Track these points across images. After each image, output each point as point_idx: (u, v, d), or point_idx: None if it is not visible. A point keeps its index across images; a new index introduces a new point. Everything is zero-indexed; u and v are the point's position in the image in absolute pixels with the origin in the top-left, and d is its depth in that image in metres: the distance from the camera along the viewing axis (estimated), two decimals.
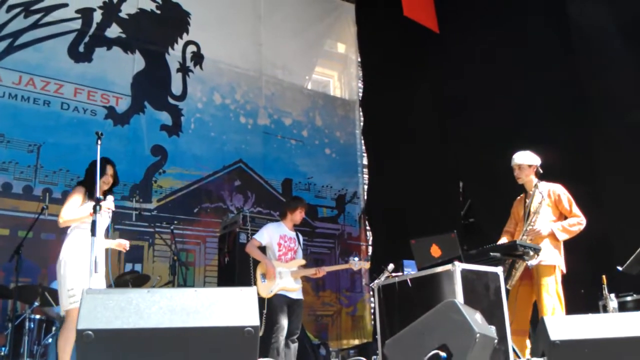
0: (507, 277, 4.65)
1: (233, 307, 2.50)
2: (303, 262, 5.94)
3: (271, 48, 9.45)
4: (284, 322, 5.60)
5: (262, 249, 5.88)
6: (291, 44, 9.75)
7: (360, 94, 10.35)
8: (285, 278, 5.76)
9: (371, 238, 9.72)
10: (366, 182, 9.97)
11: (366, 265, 6.02)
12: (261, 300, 5.62)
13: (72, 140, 7.39)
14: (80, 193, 4.54)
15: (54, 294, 5.45)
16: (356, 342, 9.10)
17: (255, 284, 5.75)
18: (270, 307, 5.64)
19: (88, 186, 4.53)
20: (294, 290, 5.79)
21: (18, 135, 7.11)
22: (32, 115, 7.27)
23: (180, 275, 6.58)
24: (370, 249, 9.71)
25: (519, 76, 7.16)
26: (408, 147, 8.78)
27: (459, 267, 4.02)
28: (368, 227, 9.83)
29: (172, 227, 6.76)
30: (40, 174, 7.19)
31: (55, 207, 6.90)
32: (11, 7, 7.34)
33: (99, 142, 4.16)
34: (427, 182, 8.38)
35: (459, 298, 3.88)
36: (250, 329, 2.48)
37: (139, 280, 6.31)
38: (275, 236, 5.88)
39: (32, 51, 7.41)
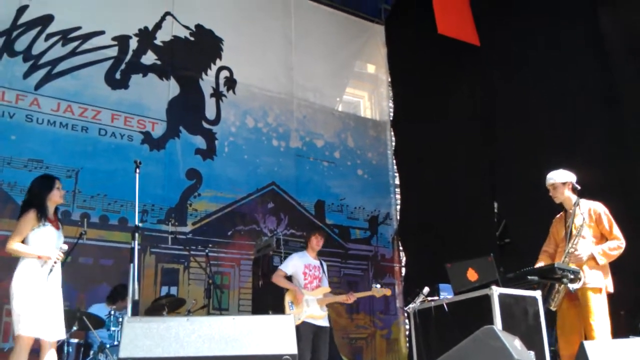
0: (547, 299, 4.55)
1: (271, 335, 2.52)
2: (328, 289, 6.02)
3: (302, 71, 9.55)
4: (308, 352, 5.61)
5: (289, 278, 6.00)
6: (322, 67, 9.85)
7: (391, 115, 10.34)
8: (312, 306, 5.85)
9: (404, 259, 9.63)
10: (399, 202, 9.91)
11: (387, 291, 5.99)
12: None
13: (110, 165, 7.53)
14: (30, 218, 4.46)
15: (92, 319, 5.54)
16: None
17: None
18: (296, 334, 5.66)
19: (39, 206, 4.52)
20: (320, 317, 5.87)
21: (57, 161, 7.25)
22: (71, 141, 7.43)
23: (215, 298, 6.63)
24: (404, 270, 9.62)
25: (556, 94, 7.09)
26: (440, 167, 8.74)
27: (496, 291, 3.98)
28: (401, 249, 9.75)
29: (207, 250, 6.83)
30: (79, 199, 7.33)
31: (94, 231, 7.15)
32: (49, 36, 7.55)
33: (138, 170, 4.22)
34: (461, 202, 8.30)
35: (497, 323, 3.83)
36: (288, 357, 2.48)
37: (174, 304, 6.34)
38: (300, 265, 6.01)
39: (70, 78, 7.60)
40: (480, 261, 4.37)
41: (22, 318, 4.19)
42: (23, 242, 4.44)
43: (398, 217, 9.89)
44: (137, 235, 3.91)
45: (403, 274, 9.61)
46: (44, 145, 7.23)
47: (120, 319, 6.08)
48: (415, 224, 9.31)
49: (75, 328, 5.56)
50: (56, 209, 4.78)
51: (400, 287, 9.53)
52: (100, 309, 6.26)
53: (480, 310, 4.01)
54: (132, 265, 3.83)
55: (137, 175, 4.31)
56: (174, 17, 8.57)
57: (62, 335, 4.53)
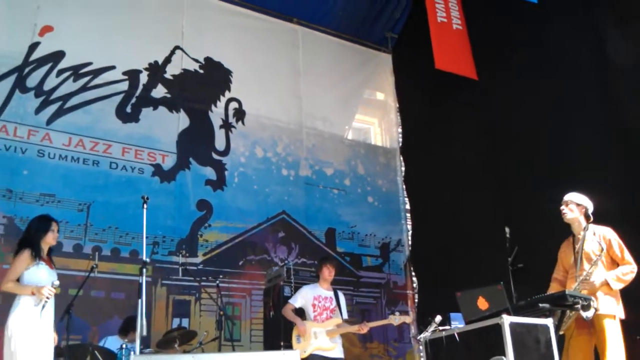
0: (559, 325, 4.50)
1: None
2: (339, 321, 6.01)
3: (311, 100, 9.64)
4: None
5: (300, 310, 6.06)
6: (330, 96, 9.92)
7: (400, 142, 10.36)
8: (321, 338, 5.88)
9: (417, 286, 9.55)
10: (410, 229, 9.87)
11: (407, 319, 5.94)
12: None
13: (121, 198, 7.59)
14: (25, 257, 4.66)
15: (104, 353, 5.53)
16: None
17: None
18: None
19: (33, 246, 4.71)
20: (330, 349, 5.88)
21: (68, 195, 7.33)
22: (82, 175, 7.50)
23: (227, 329, 6.61)
24: (417, 297, 9.53)
25: (564, 119, 7.09)
26: (451, 193, 8.70)
27: (507, 320, 3.94)
28: (414, 275, 9.68)
29: (217, 281, 6.82)
30: (90, 232, 7.37)
31: (106, 264, 7.18)
32: (61, 71, 7.69)
33: (145, 206, 4.26)
34: (472, 228, 8.24)
35: (509, 352, 3.78)
36: None
37: (186, 336, 6.31)
38: (309, 297, 6.07)
39: (82, 113, 7.72)
40: (491, 289, 4.34)
41: (20, 354, 4.30)
42: (18, 280, 4.61)
43: (410, 244, 9.83)
44: (144, 270, 3.93)
45: (416, 301, 9.51)
46: (55, 179, 7.31)
47: (133, 350, 6.12)
48: (427, 250, 9.26)
49: None
50: (50, 249, 4.94)
51: (413, 314, 9.43)
52: (113, 342, 6.26)
53: (492, 339, 3.96)
54: (139, 300, 3.83)
55: (145, 210, 4.34)
56: (184, 51, 8.71)
57: None
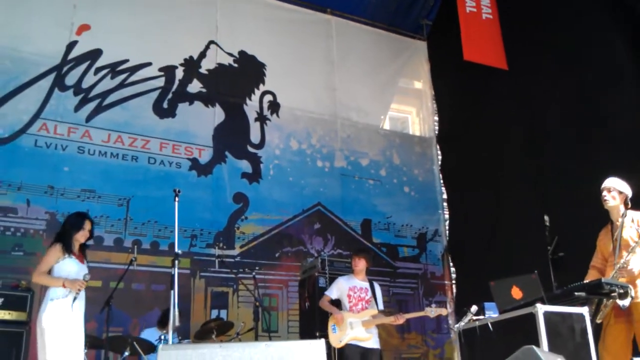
0: (595, 314, 4.40)
1: None
2: (374, 312, 5.98)
3: (345, 91, 9.60)
4: None
5: (337, 302, 6.09)
6: (365, 86, 9.87)
7: (437, 130, 10.25)
8: (357, 328, 5.87)
9: (455, 277, 9.46)
10: (447, 219, 9.77)
11: (443, 311, 5.88)
12: (335, 350, 5.84)
13: (159, 192, 7.68)
14: (56, 250, 4.82)
15: (143, 344, 5.65)
16: None
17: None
18: (341, 357, 5.83)
19: (65, 241, 4.87)
20: (366, 339, 5.86)
21: (108, 190, 7.49)
22: (121, 170, 7.66)
23: (264, 320, 6.67)
24: (454, 288, 9.45)
25: (601, 106, 6.91)
26: (489, 182, 8.60)
27: (541, 309, 3.88)
28: (452, 265, 9.59)
29: (253, 273, 6.88)
30: (130, 226, 7.53)
31: (146, 257, 7.33)
32: (99, 69, 7.85)
33: (177, 199, 4.34)
34: (510, 216, 8.13)
35: (543, 342, 3.72)
36: None
37: (223, 327, 6.41)
38: (345, 289, 6.08)
39: (120, 110, 7.87)
40: (525, 278, 4.26)
41: (51, 347, 4.46)
42: (49, 273, 4.76)
43: (447, 234, 9.74)
44: (177, 262, 4.00)
45: (454, 291, 9.42)
46: (95, 175, 7.48)
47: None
48: (464, 240, 9.17)
49: (127, 354, 5.68)
50: (84, 245, 5.11)
51: (452, 305, 9.35)
52: (151, 334, 6.39)
53: (526, 329, 3.90)
54: (172, 292, 3.91)
55: (177, 203, 4.42)
56: (218, 45, 8.79)
57: None
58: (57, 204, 7.14)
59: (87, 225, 5.02)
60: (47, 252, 4.87)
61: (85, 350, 5.70)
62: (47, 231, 6.98)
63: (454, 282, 9.49)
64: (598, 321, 4.42)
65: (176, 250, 4.14)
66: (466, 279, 9.05)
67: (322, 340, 2.64)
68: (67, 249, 4.82)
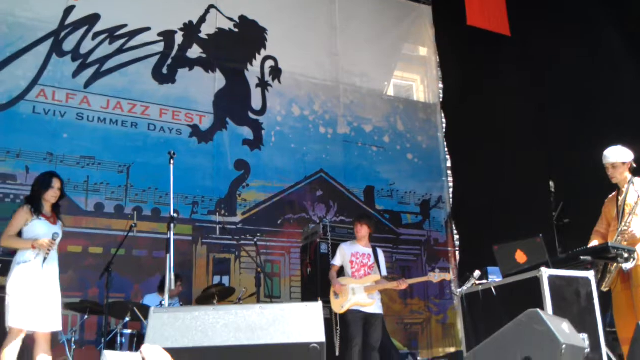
0: (601, 280, 4.34)
1: (298, 324, 2.46)
2: (377, 277, 5.95)
3: (348, 56, 9.44)
4: (358, 337, 5.70)
5: (342, 269, 6.10)
6: (368, 51, 9.69)
7: (441, 97, 10.10)
8: (359, 294, 5.86)
9: (459, 243, 9.41)
10: (451, 185, 9.68)
11: (447, 276, 5.84)
12: (337, 316, 5.91)
13: (160, 159, 7.51)
14: (24, 212, 4.65)
15: (144, 309, 5.64)
16: (450, 349, 8.85)
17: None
18: (344, 322, 5.87)
19: (33, 202, 4.69)
20: (368, 304, 5.85)
21: (108, 157, 7.43)
22: (121, 137, 7.59)
23: (267, 286, 6.66)
24: (458, 254, 9.40)
25: (608, 70, 6.77)
26: (493, 148, 8.50)
27: (546, 273, 3.81)
28: (455, 232, 9.53)
29: (255, 239, 6.85)
30: (131, 193, 7.48)
31: (147, 224, 7.29)
32: (97, 34, 7.70)
33: (172, 161, 4.27)
34: (515, 183, 8.06)
35: (548, 306, 3.67)
36: (315, 345, 2.42)
37: (225, 293, 6.41)
38: (347, 255, 6.06)
39: (118, 76, 7.75)
40: (529, 242, 4.19)
41: (13, 310, 4.33)
42: (19, 235, 4.61)
43: (451, 201, 9.66)
44: (172, 226, 3.94)
45: (457, 258, 9.38)
46: (95, 142, 7.41)
47: (172, 306, 6.25)
48: (469, 206, 9.11)
49: (127, 319, 5.70)
50: (57, 205, 4.91)
51: (455, 271, 9.32)
52: (153, 299, 6.41)
53: (530, 293, 3.84)
54: (167, 255, 3.86)
55: (172, 166, 4.35)
56: (218, 10, 8.61)
57: (57, 327, 4.63)
58: (56, 170, 6.94)
59: (57, 183, 4.83)
60: (14, 214, 4.68)
61: (86, 317, 5.77)
62: None
63: (457, 248, 9.44)
64: (604, 289, 4.35)
65: (171, 213, 4.07)
66: (470, 246, 9.00)
67: (320, 303, 2.57)
68: (36, 210, 4.64)
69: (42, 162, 6.98)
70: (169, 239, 3.92)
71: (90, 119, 7.48)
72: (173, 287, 4.05)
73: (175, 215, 4.19)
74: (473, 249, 8.69)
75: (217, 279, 7.61)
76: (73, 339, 5.57)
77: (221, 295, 6.28)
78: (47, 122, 7.19)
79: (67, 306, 6.03)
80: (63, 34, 7.52)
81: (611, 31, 6.82)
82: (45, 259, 4.46)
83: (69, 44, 7.53)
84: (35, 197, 4.71)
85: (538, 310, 2.94)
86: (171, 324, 2.42)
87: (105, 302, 5.46)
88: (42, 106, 7.20)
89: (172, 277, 3.93)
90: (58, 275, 4.70)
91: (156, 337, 2.39)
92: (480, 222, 8.56)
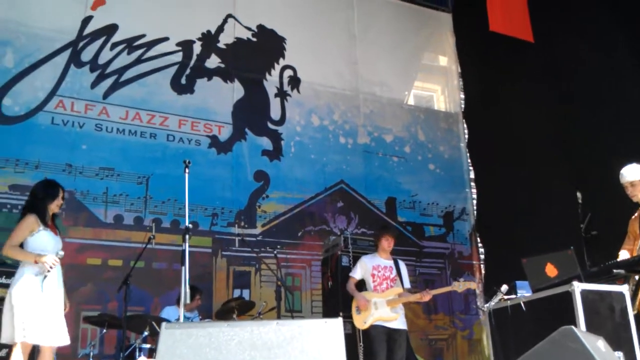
0: (633, 298, 4.12)
1: (318, 341, 2.31)
2: (399, 290, 5.78)
3: (367, 65, 9.32)
4: (382, 354, 5.52)
5: (361, 282, 5.91)
6: (387, 60, 9.57)
7: (463, 106, 9.92)
8: (381, 308, 5.69)
9: (484, 256, 9.17)
10: (475, 197, 9.47)
11: (472, 284, 5.63)
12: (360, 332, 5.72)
13: (179, 170, 7.24)
14: (31, 222, 4.47)
15: (161, 323, 5.50)
16: None
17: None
18: (367, 338, 5.67)
19: (39, 212, 4.53)
20: (392, 319, 5.68)
21: (127, 168, 7.37)
22: (140, 148, 7.53)
23: (288, 300, 6.52)
24: (483, 267, 9.17)
25: (635, 77, 6.56)
26: (517, 158, 8.29)
27: (578, 287, 3.62)
28: (480, 245, 9.30)
29: (275, 252, 6.72)
30: (150, 205, 7.40)
31: (166, 236, 7.19)
32: (115, 45, 7.69)
33: (187, 170, 4.16)
34: (541, 194, 7.84)
35: (580, 322, 3.48)
36: None
37: (244, 307, 6.28)
38: (368, 268, 5.89)
39: (137, 86, 7.71)
40: (560, 255, 4.01)
41: (19, 324, 4.17)
42: (22, 246, 4.45)
43: (475, 212, 9.44)
44: (187, 237, 3.82)
45: (483, 271, 9.14)
46: (114, 153, 7.37)
47: (191, 319, 6.14)
48: (493, 218, 8.88)
49: (146, 333, 5.57)
50: (54, 215, 4.76)
51: (480, 285, 9.09)
52: (171, 312, 6.29)
53: (561, 308, 3.65)
54: (183, 268, 3.74)
55: (187, 175, 4.25)
56: (236, 19, 8.57)
57: (65, 340, 4.47)
58: (75, 182, 7.05)
59: (61, 193, 4.73)
60: (19, 223, 4.49)
61: (105, 331, 5.68)
62: (66, 210, 6.85)
63: (482, 262, 9.20)
64: (635, 311, 4.12)
65: (187, 224, 3.95)
66: (495, 259, 8.78)
67: (340, 319, 2.42)
68: (43, 220, 4.49)
69: (61, 173, 6.93)
70: (183, 251, 3.80)
71: (109, 130, 7.43)
72: (189, 301, 3.91)
73: (191, 226, 4.05)
74: (499, 262, 8.47)
75: (237, 292, 7.49)
76: (91, 354, 5.49)
77: (241, 309, 6.16)
78: (66, 133, 7.16)
79: (85, 320, 5.99)
80: (81, 44, 7.51)
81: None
82: (45, 276, 4.29)
83: (87, 55, 7.52)
84: (40, 206, 4.55)
85: (573, 327, 2.76)
86: (183, 341, 2.29)
87: (123, 315, 5.37)
88: (60, 117, 7.18)
89: (187, 290, 3.80)
90: (63, 288, 4.57)
91: (167, 354, 2.26)
92: (506, 235, 8.33)
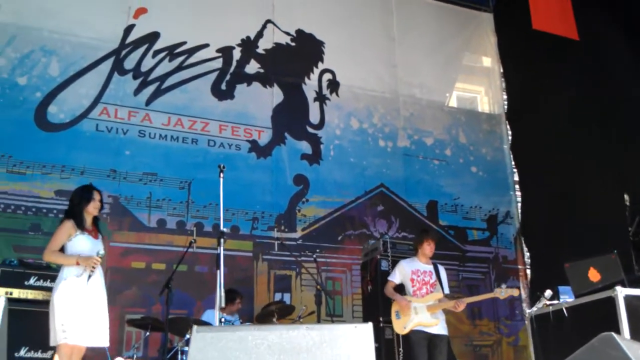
0: None
1: (347, 346, 2.29)
2: (439, 295, 5.65)
3: (407, 68, 9.26)
4: (423, 358, 5.43)
5: (400, 286, 5.82)
6: (427, 62, 9.49)
7: (506, 107, 9.73)
8: (421, 313, 5.58)
9: (529, 261, 8.97)
10: (519, 199, 9.27)
11: (514, 292, 5.46)
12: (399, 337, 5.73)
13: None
14: (67, 227, 4.57)
15: (203, 326, 5.57)
16: None
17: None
18: (407, 344, 5.61)
19: (75, 216, 4.61)
20: (432, 324, 5.56)
21: (170, 173, 7.49)
22: (182, 153, 7.64)
23: (329, 304, 6.50)
24: (529, 272, 8.96)
25: None
26: (562, 159, 8.10)
27: (621, 292, 3.50)
28: (525, 249, 9.09)
29: (314, 256, 6.71)
30: (192, 209, 7.50)
31: (208, 240, 7.24)
32: (157, 52, 7.85)
33: (222, 175, 4.20)
34: (588, 196, 7.64)
35: (624, 328, 3.36)
36: None
37: (284, 311, 6.28)
38: (407, 272, 5.80)
39: (179, 93, 7.85)
40: (603, 259, 3.88)
41: (60, 326, 4.26)
42: (61, 251, 4.55)
43: (520, 216, 9.24)
44: (222, 241, 3.86)
45: (528, 276, 8.94)
46: (157, 159, 7.50)
47: (232, 323, 6.18)
48: (539, 221, 8.69)
49: (188, 336, 5.61)
50: (95, 218, 4.84)
51: (526, 290, 8.89)
52: (212, 315, 6.34)
53: (604, 314, 3.54)
54: (218, 272, 3.77)
55: (221, 180, 4.29)
56: (275, 24, 8.63)
57: (104, 342, 4.53)
58: (119, 187, 7.20)
59: (97, 195, 4.79)
60: (57, 229, 4.63)
61: (147, 333, 5.78)
62: (110, 215, 7.06)
63: (528, 266, 9.00)
64: None
65: (221, 228, 3.99)
66: (541, 263, 8.58)
67: (370, 324, 2.39)
68: (79, 225, 4.59)
69: (105, 179, 7.10)
70: (218, 255, 3.83)
71: (151, 136, 7.58)
72: (224, 304, 3.93)
73: (225, 230, 4.09)
74: (544, 266, 8.28)
75: (278, 296, 7.52)
76: (135, 356, 5.59)
77: (281, 312, 6.15)
78: (110, 140, 7.33)
79: (129, 322, 6.10)
80: (124, 52, 7.69)
81: None
82: (90, 276, 4.41)
83: (130, 62, 7.69)
84: (76, 211, 4.66)
85: (613, 334, 2.65)
86: (214, 345, 2.30)
87: (165, 318, 5.44)
88: (104, 124, 7.35)
89: (222, 293, 3.82)
90: (105, 290, 4.66)
91: (198, 357, 2.28)
92: (552, 238, 8.17)
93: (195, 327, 2.38)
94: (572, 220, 7.79)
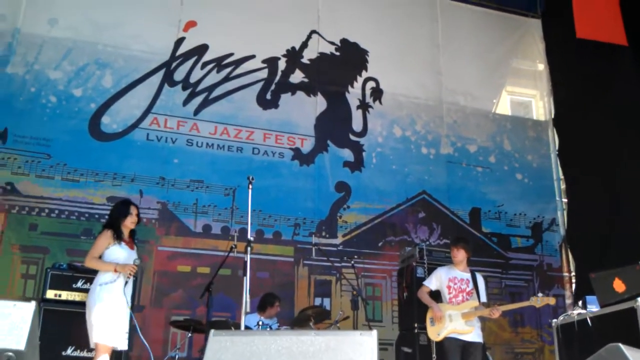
0: None
1: (350, 353, 2.43)
2: (475, 303, 5.67)
3: (451, 75, 9.26)
4: None
5: (435, 293, 5.88)
6: (473, 69, 9.46)
7: (553, 113, 9.60)
8: (455, 321, 5.63)
9: (575, 268, 8.82)
10: (566, 207, 9.12)
11: (551, 300, 5.44)
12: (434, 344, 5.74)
13: (263, 182, 7.80)
14: (106, 237, 4.90)
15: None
16: None
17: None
18: (441, 351, 5.65)
19: (114, 228, 4.94)
20: (466, 332, 5.59)
21: (216, 180, 7.78)
22: (227, 161, 7.92)
23: (368, 309, 6.58)
24: (574, 280, 8.81)
25: None
26: (611, 167, 7.96)
27: None
28: (571, 257, 8.95)
29: (352, 262, 6.82)
30: (236, 215, 7.75)
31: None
32: (205, 64, 8.16)
33: (250, 186, 4.38)
34: (635, 205, 7.47)
35: None
36: None
37: (320, 315, 6.41)
38: (444, 279, 5.85)
39: (225, 102, 8.13)
40: (628, 270, 3.86)
41: (98, 327, 4.57)
42: (100, 258, 4.90)
43: (565, 223, 9.10)
44: (249, 249, 4.05)
45: (574, 284, 8.79)
46: (203, 166, 7.80)
47: (270, 327, 6.37)
48: (585, 229, 8.52)
49: None
50: (133, 231, 5.18)
51: (572, 298, 8.74)
52: (251, 319, 6.55)
53: (627, 324, 3.54)
54: (245, 278, 3.95)
55: (250, 190, 4.49)
56: (320, 35, 8.81)
57: (123, 345, 4.80)
58: (168, 194, 7.53)
59: (134, 210, 5.13)
60: (97, 238, 5.02)
61: (189, 335, 6.02)
62: (159, 220, 7.39)
63: (573, 274, 8.85)
64: None
65: (249, 237, 4.19)
66: (586, 272, 8.37)
67: (375, 332, 2.52)
68: (118, 236, 4.94)
69: (155, 186, 7.46)
70: (245, 262, 4.02)
71: (199, 145, 7.88)
72: (249, 310, 4.11)
73: (252, 238, 4.29)
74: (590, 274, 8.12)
75: (318, 301, 7.67)
76: (177, 357, 5.86)
77: (317, 317, 6.29)
78: (160, 149, 7.67)
79: (172, 324, 6.39)
80: (174, 64, 8.03)
81: None
82: (126, 282, 4.75)
83: (179, 74, 8.02)
84: (115, 224, 5.01)
85: (620, 345, 2.69)
86: (227, 348, 2.48)
87: (206, 320, 5.67)
88: (155, 133, 7.70)
89: (248, 298, 4.02)
90: (131, 297, 4.97)
91: (212, 359, 2.46)
92: (598, 247, 8.00)
93: (212, 330, 2.57)
94: (620, 228, 7.65)
